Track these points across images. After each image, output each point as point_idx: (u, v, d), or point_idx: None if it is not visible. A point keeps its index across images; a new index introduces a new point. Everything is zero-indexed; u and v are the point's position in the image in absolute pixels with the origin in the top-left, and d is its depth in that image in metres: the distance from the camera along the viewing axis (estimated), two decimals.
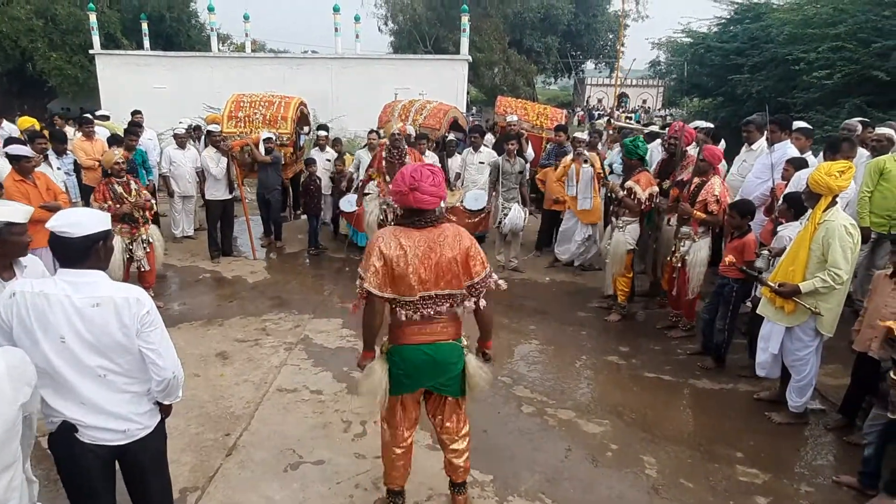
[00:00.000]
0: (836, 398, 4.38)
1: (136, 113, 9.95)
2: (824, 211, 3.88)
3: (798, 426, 4.24)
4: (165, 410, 2.54)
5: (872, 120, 8.27)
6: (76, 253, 2.23)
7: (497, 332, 5.80)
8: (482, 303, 2.99)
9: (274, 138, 8.16)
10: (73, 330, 2.19)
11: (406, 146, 6.86)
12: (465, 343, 3.10)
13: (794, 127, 5.85)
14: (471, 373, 3.06)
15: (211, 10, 22.22)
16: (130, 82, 19.15)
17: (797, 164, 5.23)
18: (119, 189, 5.86)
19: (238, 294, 6.80)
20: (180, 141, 8.45)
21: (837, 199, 3.94)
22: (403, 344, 2.94)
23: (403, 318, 2.91)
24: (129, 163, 6.60)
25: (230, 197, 7.96)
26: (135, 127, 8.70)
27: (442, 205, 2.98)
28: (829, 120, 10.13)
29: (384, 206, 6.71)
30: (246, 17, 23.47)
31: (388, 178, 6.66)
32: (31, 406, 2.06)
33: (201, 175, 8.27)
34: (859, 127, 6.39)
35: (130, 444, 2.38)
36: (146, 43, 21.55)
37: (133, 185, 6.01)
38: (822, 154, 5.58)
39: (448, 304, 2.94)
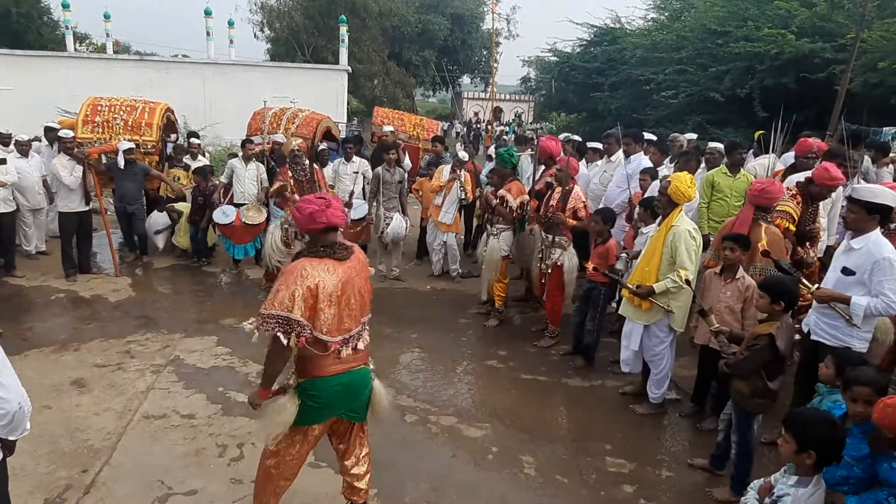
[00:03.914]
0: (688, 388, 4.80)
1: None
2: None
3: (658, 416, 4.60)
4: (9, 447, 2.28)
5: (710, 135, 9.27)
6: None
7: (380, 341, 5.85)
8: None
9: (135, 147, 7.62)
10: None
11: (307, 161, 6.67)
12: (372, 366, 3.08)
13: (644, 140, 6.44)
14: (377, 398, 3.03)
15: (66, 6, 20.37)
16: None
17: (652, 173, 5.72)
18: None
19: (98, 315, 6.26)
20: (22, 149, 7.64)
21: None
22: (320, 376, 2.82)
23: (320, 350, 2.80)
24: None
25: (87, 209, 7.30)
26: None
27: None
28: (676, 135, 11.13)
29: (286, 226, 6.45)
30: (106, 16, 21.75)
31: (297, 196, 6.44)
32: None
33: (48, 185, 7.54)
34: (682, 139, 7.21)
35: None
36: None
37: None
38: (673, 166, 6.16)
39: (357, 340, 2.92)
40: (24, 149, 7.66)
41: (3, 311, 6.17)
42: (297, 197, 6.40)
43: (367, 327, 3.01)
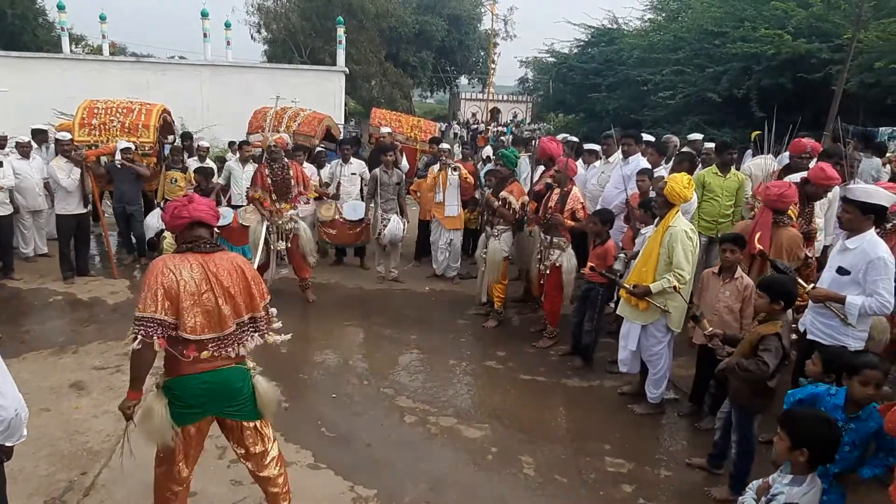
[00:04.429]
0: (687, 387, 4.81)
1: None
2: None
3: (656, 415, 4.61)
4: (6, 452, 2.27)
5: (708, 135, 9.31)
6: None
7: (379, 342, 5.88)
8: (268, 338, 3.00)
9: (133, 148, 7.61)
10: None
11: (287, 159, 6.63)
12: (252, 365, 3.00)
13: (642, 141, 6.44)
14: (260, 394, 2.93)
15: (61, 8, 20.35)
16: None
17: (649, 174, 5.74)
18: None
19: (96, 317, 6.25)
20: (23, 150, 7.64)
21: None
22: (181, 375, 2.77)
23: (184, 349, 2.76)
24: None
25: (85, 211, 7.30)
26: None
27: (216, 230, 2.95)
28: (673, 135, 11.18)
29: (268, 225, 6.45)
30: (102, 18, 21.68)
31: (273, 195, 6.43)
32: None
33: (49, 187, 7.54)
34: (675, 139, 7.23)
35: None
36: None
37: None
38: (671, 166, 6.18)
39: (233, 341, 2.82)
40: (25, 150, 7.65)
41: (0, 314, 6.16)
42: (277, 205, 6.41)
43: (255, 331, 2.90)
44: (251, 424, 2.96)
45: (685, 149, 7.07)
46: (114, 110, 8.13)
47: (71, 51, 21.13)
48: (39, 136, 8.67)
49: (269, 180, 6.43)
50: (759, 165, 6.40)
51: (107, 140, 7.82)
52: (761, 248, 4.23)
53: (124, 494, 3.47)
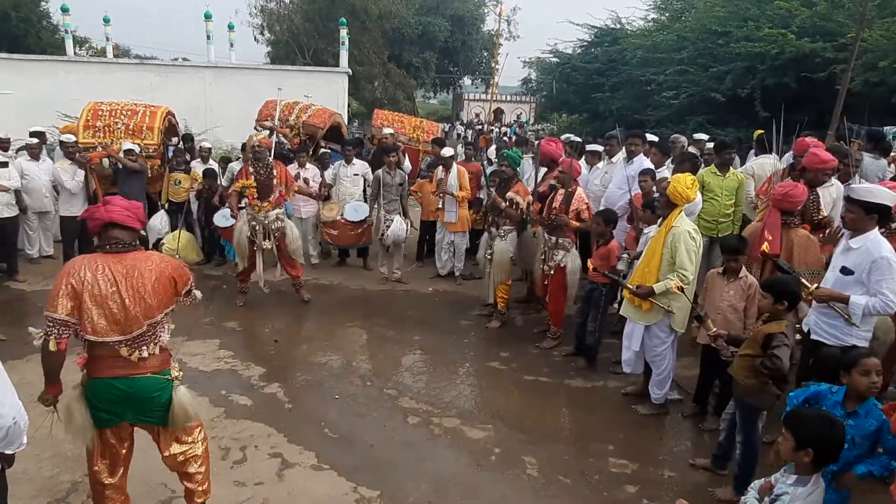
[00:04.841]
0: (691, 388, 4.80)
1: None
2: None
3: (660, 416, 4.60)
4: (7, 460, 2.26)
5: (711, 135, 9.29)
6: None
7: (381, 343, 5.88)
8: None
9: (137, 150, 7.63)
10: None
11: (271, 158, 6.60)
12: (175, 374, 2.98)
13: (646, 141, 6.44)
14: (174, 408, 2.89)
15: (65, 10, 20.37)
16: None
17: (651, 175, 5.72)
18: None
19: None
20: (33, 152, 7.67)
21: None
22: (95, 377, 2.79)
23: (96, 351, 2.78)
24: None
25: None
26: None
27: (143, 232, 2.95)
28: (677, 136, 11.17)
29: (253, 223, 6.45)
30: (106, 21, 21.75)
31: (256, 193, 6.42)
32: None
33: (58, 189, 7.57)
34: (683, 139, 7.20)
35: None
36: None
37: None
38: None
39: (146, 342, 2.81)
40: (34, 152, 7.68)
41: (5, 315, 6.19)
42: (258, 203, 6.39)
43: (164, 333, 2.90)
44: (167, 429, 2.97)
45: (691, 149, 7.06)
46: (118, 112, 8.15)
47: (75, 53, 21.14)
48: (39, 137, 8.70)
49: (253, 178, 6.44)
50: (762, 165, 6.39)
51: (111, 142, 7.84)
52: (765, 250, 4.22)
53: (132, 491, 3.46)
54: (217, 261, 8.23)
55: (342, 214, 7.73)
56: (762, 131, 7.57)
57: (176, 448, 3.00)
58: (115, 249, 2.74)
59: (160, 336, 2.86)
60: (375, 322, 6.43)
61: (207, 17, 19.44)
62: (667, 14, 17.66)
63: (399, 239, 7.43)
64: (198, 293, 3.09)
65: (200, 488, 3.10)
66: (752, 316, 3.99)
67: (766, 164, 6.38)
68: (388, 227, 7.30)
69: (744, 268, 4.15)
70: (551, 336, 5.83)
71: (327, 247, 8.43)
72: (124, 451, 2.99)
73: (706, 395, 4.56)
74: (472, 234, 7.91)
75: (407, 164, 8.60)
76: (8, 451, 2.20)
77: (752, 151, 7.80)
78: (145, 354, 2.80)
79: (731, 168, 6.18)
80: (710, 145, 6.71)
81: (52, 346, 2.64)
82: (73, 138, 7.57)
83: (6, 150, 7.71)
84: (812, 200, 4.84)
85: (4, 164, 7.02)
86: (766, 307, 3.42)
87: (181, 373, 3.06)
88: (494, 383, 5.18)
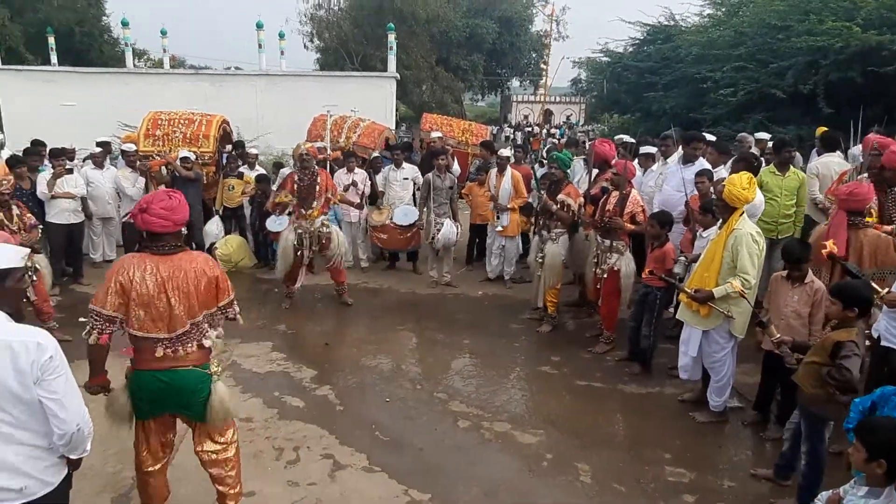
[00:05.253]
0: (751, 395, 4.62)
1: (37, 143, 9.15)
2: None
3: (719, 424, 4.44)
4: (74, 464, 2.30)
5: (772, 133, 8.93)
6: None
7: (431, 347, 5.88)
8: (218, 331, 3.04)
9: (193, 157, 7.89)
10: None
11: (317, 167, 6.72)
12: (215, 369, 3.04)
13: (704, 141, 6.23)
14: (213, 401, 2.96)
15: (125, 24, 21.32)
16: (36, 99, 18.03)
17: (709, 175, 5.53)
18: None
19: None
20: (97, 160, 8.03)
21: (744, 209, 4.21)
22: (139, 369, 2.90)
23: (140, 345, 2.87)
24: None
25: None
26: (38, 147, 8.16)
27: (184, 230, 3.00)
28: (735, 134, 10.80)
29: (299, 231, 6.56)
30: (163, 33, 22.63)
31: (297, 201, 6.52)
32: None
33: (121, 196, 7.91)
34: (750, 139, 6.93)
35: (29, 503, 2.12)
36: (53, 58, 20.43)
37: (15, 211, 5.66)
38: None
39: (187, 340, 2.90)
40: (98, 160, 8.03)
41: (71, 317, 6.45)
42: (302, 210, 6.49)
43: (208, 331, 2.98)
44: (204, 424, 3.04)
45: (752, 149, 6.82)
46: (176, 121, 8.44)
47: (134, 65, 22.07)
48: (104, 147, 9.10)
49: (296, 185, 6.56)
50: (826, 164, 6.12)
51: (169, 150, 8.12)
52: (831, 251, 4.02)
53: (186, 492, 3.56)
54: (271, 265, 8.40)
55: (392, 218, 7.78)
56: (826, 129, 7.25)
57: (209, 446, 3.09)
58: (161, 251, 2.84)
59: (203, 335, 2.95)
60: (425, 325, 6.44)
61: (259, 26, 19.98)
62: (723, 9, 17.11)
63: (449, 242, 7.43)
64: (239, 318, 3.16)
65: (232, 491, 3.16)
66: (819, 322, 3.80)
67: (831, 163, 6.11)
68: (439, 230, 7.30)
69: (810, 272, 3.96)
70: (604, 340, 5.71)
71: (377, 250, 8.51)
72: (166, 442, 3.10)
73: (768, 403, 4.38)
74: (522, 238, 7.84)
75: (456, 167, 8.60)
76: (72, 456, 2.25)
77: (815, 150, 7.48)
78: (187, 353, 2.90)
79: (791, 167, 5.93)
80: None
81: (91, 340, 2.79)
82: (133, 147, 7.89)
83: (72, 159, 8.09)
84: (891, 199, 4.60)
85: (70, 172, 7.36)
86: (834, 314, 3.26)
87: (220, 367, 3.13)
88: (546, 388, 5.11)
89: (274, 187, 8.18)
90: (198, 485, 3.60)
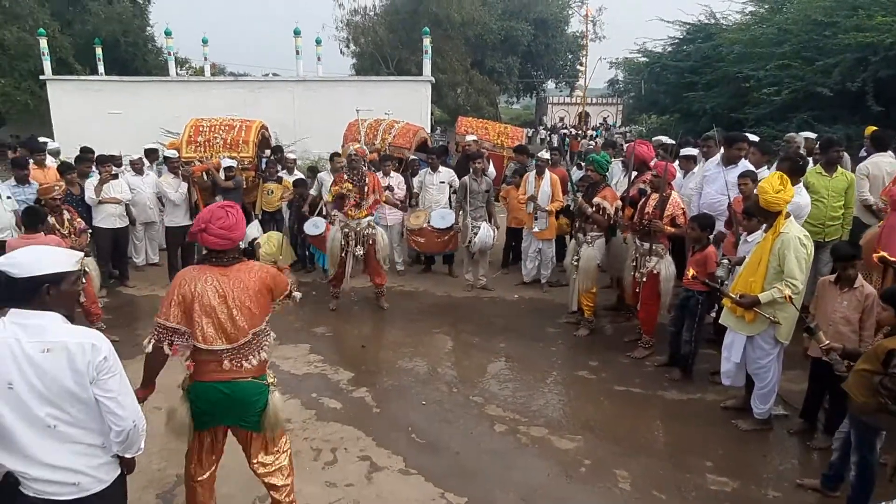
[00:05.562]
0: (797, 403, 4.47)
1: (86, 150, 9.44)
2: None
3: (763, 432, 4.32)
4: (128, 465, 2.36)
5: (818, 133, 8.65)
6: (19, 294, 2.08)
7: (468, 350, 5.87)
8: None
9: (235, 166, 8.07)
10: (21, 376, 2.03)
11: (365, 168, 6.78)
12: (270, 380, 3.05)
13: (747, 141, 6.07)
14: (269, 411, 2.98)
15: (168, 34, 22.00)
16: (84, 108, 18.75)
17: (752, 177, 5.39)
18: (51, 220, 5.69)
19: None
20: (137, 167, 8.27)
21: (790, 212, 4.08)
22: (200, 381, 2.92)
23: (202, 357, 2.90)
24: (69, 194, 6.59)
25: (191, 223, 7.77)
26: (87, 154, 8.45)
27: (241, 245, 3.03)
28: (779, 134, 10.51)
29: (346, 230, 6.63)
30: (204, 41, 23.24)
31: (352, 198, 6.58)
32: None
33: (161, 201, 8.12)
34: (799, 139, 6.71)
35: (83, 499, 2.17)
36: (101, 68, 21.17)
37: (66, 216, 5.88)
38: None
39: (250, 351, 2.92)
40: (137, 167, 8.27)
41: (117, 318, 6.66)
42: (350, 211, 6.54)
43: (265, 343, 2.98)
44: (260, 435, 3.06)
45: (800, 150, 6.61)
46: (217, 127, 8.64)
47: (177, 73, 22.71)
48: (152, 154, 9.38)
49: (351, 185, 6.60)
50: (877, 164, 5.91)
51: (211, 156, 8.32)
52: (884, 255, 3.87)
53: (228, 491, 3.62)
54: (308, 268, 8.53)
55: (429, 222, 7.80)
56: (875, 128, 6.99)
57: (264, 457, 3.10)
58: (220, 263, 2.89)
59: (263, 346, 2.98)
60: (461, 329, 6.43)
61: (296, 33, 20.33)
62: (766, 6, 16.66)
63: (486, 246, 7.41)
64: (297, 294, 3.20)
65: (287, 499, 3.18)
66: (870, 328, 3.68)
67: (882, 163, 5.90)
68: (476, 234, 7.28)
69: (860, 276, 3.82)
70: (643, 345, 5.61)
71: (413, 254, 8.53)
72: (216, 453, 3.15)
73: (815, 412, 4.24)
74: (558, 241, 7.77)
75: (491, 169, 8.58)
76: (127, 455, 2.29)
77: (864, 149, 7.23)
78: (250, 365, 2.92)
79: (838, 167, 5.74)
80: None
81: (166, 350, 2.84)
82: (176, 154, 8.08)
83: (119, 166, 8.35)
84: None
85: (116, 177, 7.59)
86: (887, 320, 3.14)
87: (275, 378, 3.16)
88: (583, 393, 5.05)
89: (312, 191, 8.31)
90: (238, 484, 3.68)
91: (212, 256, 2.90)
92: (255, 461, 3.10)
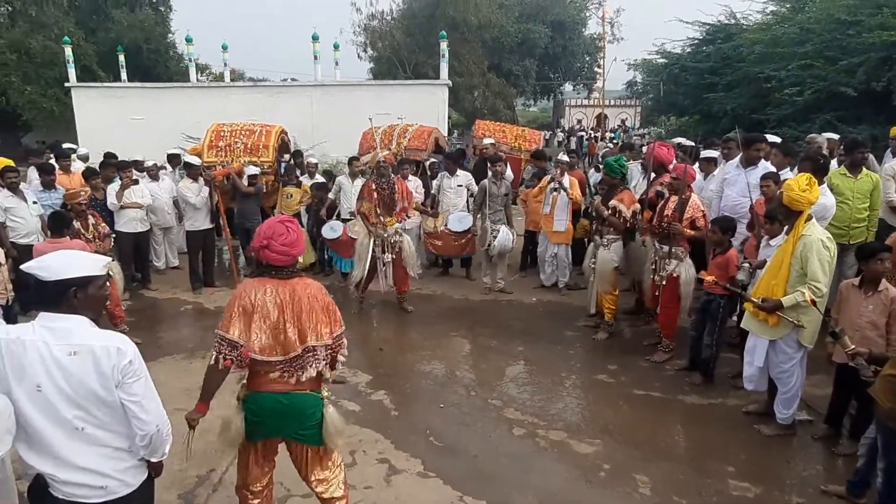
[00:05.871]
0: (822, 408, 4.40)
1: (109, 156, 9.38)
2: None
3: (787, 437, 4.25)
4: (155, 469, 2.37)
5: (842, 133, 8.50)
6: (48, 297, 2.11)
7: (486, 354, 5.86)
8: (339, 359, 3.01)
9: (259, 172, 8.17)
10: (50, 379, 2.06)
11: (392, 174, 6.79)
12: (325, 394, 3.04)
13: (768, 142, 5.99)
14: (328, 424, 2.96)
15: (189, 40, 22.29)
16: (108, 114, 19.05)
17: (775, 178, 5.32)
18: (76, 225, 5.80)
19: None
20: (153, 173, 8.38)
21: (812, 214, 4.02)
22: (258, 391, 2.91)
23: (259, 368, 2.88)
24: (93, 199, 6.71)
25: (211, 226, 7.88)
26: (111, 159, 8.58)
27: (300, 259, 2.97)
28: (801, 135, 10.35)
29: (374, 237, 6.66)
30: (224, 47, 23.54)
31: (378, 209, 6.60)
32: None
33: (178, 205, 8.22)
34: (821, 140, 6.61)
35: (111, 502, 2.20)
36: (123, 75, 21.52)
37: (91, 221, 5.99)
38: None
39: (300, 365, 2.88)
40: (153, 173, 8.38)
41: (140, 321, 6.76)
42: (382, 219, 6.53)
43: (320, 356, 2.91)
44: (317, 449, 3.04)
45: (823, 151, 6.50)
46: (237, 132, 8.75)
47: (197, 79, 22.99)
48: (174, 159, 9.52)
49: (376, 195, 6.62)
50: None
51: (231, 161, 8.41)
52: None
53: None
54: (326, 271, 8.58)
55: (446, 225, 7.81)
56: None
57: (320, 474, 3.09)
58: (279, 276, 2.88)
59: (318, 361, 2.92)
60: (479, 332, 6.42)
61: (315, 38, 20.49)
62: (787, 6, 16.42)
63: (505, 249, 7.40)
64: (342, 356, 3.07)
65: None
66: None
67: None
68: (495, 237, 7.28)
69: (884, 279, 3.75)
70: (663, 349, 5.56)
71: (430, 257, 8.55)
72: (269, 466, 3.15)
73: (840, 417, 4.16)
74: (576, 244, 7.73)
75: (509, 172, 8.58)
76: (153, 459, 2.31)
77: (889, 150, 7.10)
78: (302, 379, 2.89)
79: (863, 168, 5.64)
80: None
81: (220, 365, 2.80)
82: (198, 160, 8.16)
83: (141, 171, 8.47)
84: None
85: (136, 182, 7.71)
86: None
87: (330, 392, 3.14)
88: (602, 397, 5.01)
89: (330, 195, 8.37)
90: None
91: (271, 269, 2.88)
92: (312, 478, 3.08)
